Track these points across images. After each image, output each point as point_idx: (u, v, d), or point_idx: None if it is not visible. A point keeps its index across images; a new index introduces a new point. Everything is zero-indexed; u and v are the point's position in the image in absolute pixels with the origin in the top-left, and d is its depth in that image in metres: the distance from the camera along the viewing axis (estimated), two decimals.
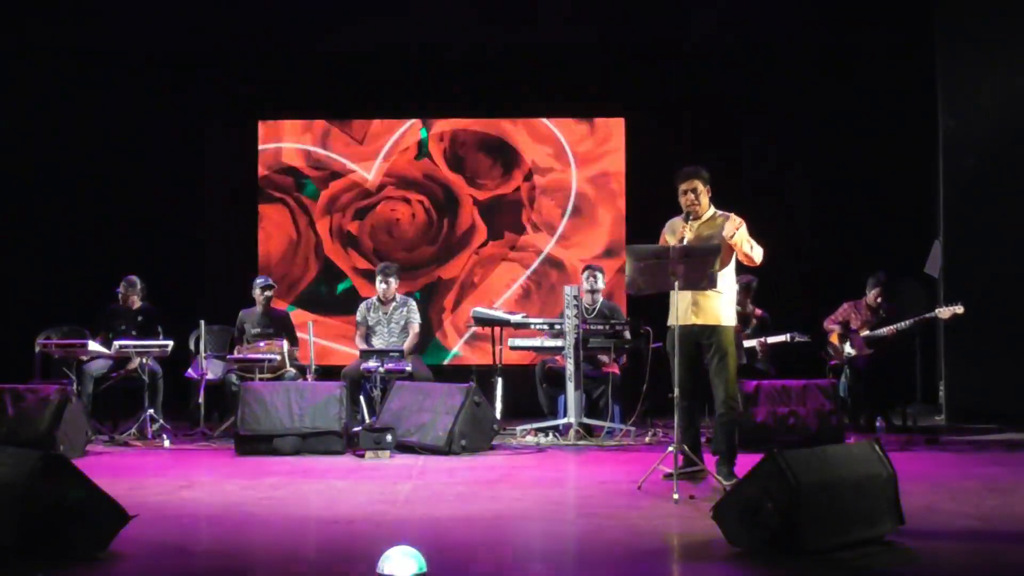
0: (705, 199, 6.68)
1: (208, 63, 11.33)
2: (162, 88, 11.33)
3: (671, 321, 6.69)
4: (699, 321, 6.56)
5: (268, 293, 9.58)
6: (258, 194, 11.44)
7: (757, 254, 6.61)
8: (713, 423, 6.74)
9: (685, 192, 6.65)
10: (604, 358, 9.07)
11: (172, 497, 6.33)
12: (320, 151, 11.43)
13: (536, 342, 9.20)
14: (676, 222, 6.77)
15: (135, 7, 11.06)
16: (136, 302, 9.55)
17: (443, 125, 11.49)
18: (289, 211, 11.43)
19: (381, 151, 11.44)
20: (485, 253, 11.45)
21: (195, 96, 11.35)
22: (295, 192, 11.42)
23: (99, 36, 11.21)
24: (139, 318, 9.51)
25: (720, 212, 6.72)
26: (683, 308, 6.50)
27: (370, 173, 11.40)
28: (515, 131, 11.47)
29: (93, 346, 8.98)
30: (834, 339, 9.45)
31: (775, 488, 4.71)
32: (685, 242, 6.46)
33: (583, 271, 9.47)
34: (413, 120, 11.47)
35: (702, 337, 6.61)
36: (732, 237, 6.48)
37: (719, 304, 6.60)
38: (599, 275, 9.36)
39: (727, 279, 6.61)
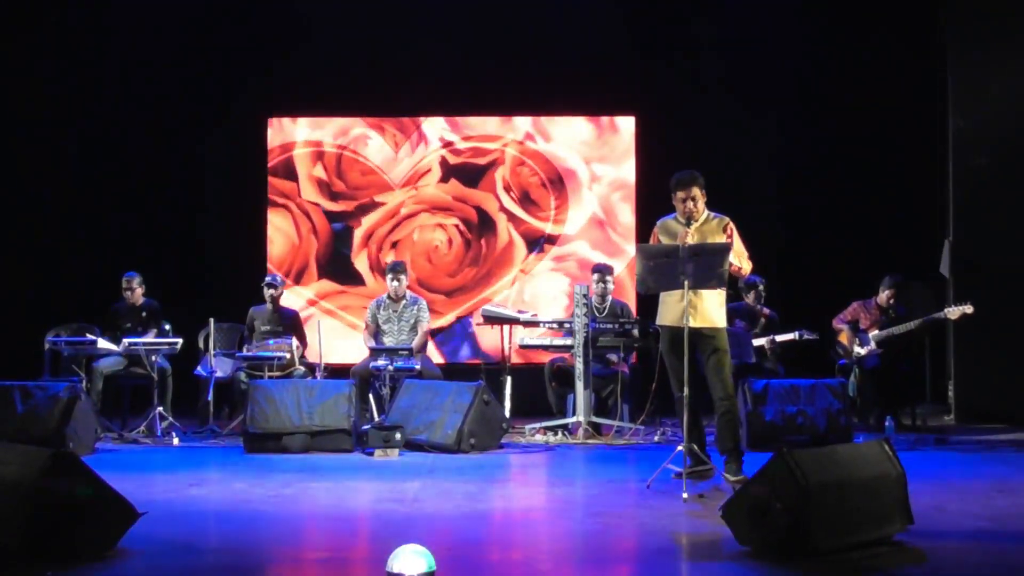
0: (702, 204, 6.76)
1: (217, 58, 11.34)
2: (170, 83, 11.35)
3: (664, 321, 6.74)
4: (695, 324, 6.57)
5: (274, 292, 9.58)
6: (267, 190, 11.45)
7: (747, 266, 6.74)
8: (713, 422, 6.74)
9: (684, 200, 6.71)
10: (613, 357, 9.07)
11: (181, 494, 6.35)
12: (333, 150, 11.48)
13: (546, 340, 9.20)
14: (671, 224, 6.82)
15: (141, 4, 11.12)
16: (139, 298, 9.57)
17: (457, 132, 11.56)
18: (292, 217, 11.47)
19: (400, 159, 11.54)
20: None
21: (203, 93, 11.36)
22: (298, 197, 11.47)
23: (105, 32, 11.24)
24: (142, 314, 9.52)
25: (713, 214, 6.79)
26: (679, 310, 6.51)
27: (392, 194, 11.50)
28: (524, 123, 11.49)
29: (102, 343, 9.00)
30: (843, 338, 9.43)
31: (784, 488, 4.70)
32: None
33: (592, 272, 9.42)
34: (424, 118, 11.52)
35: (698, 339, 6.63)
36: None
37: (714, 306, 6.66)
38: (609, 276, 9.32)
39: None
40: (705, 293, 6.56)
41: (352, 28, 11.26)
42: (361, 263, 11.40)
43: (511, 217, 11.42)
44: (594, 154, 11.40)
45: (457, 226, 11.45)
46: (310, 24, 11.25)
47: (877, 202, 11.01)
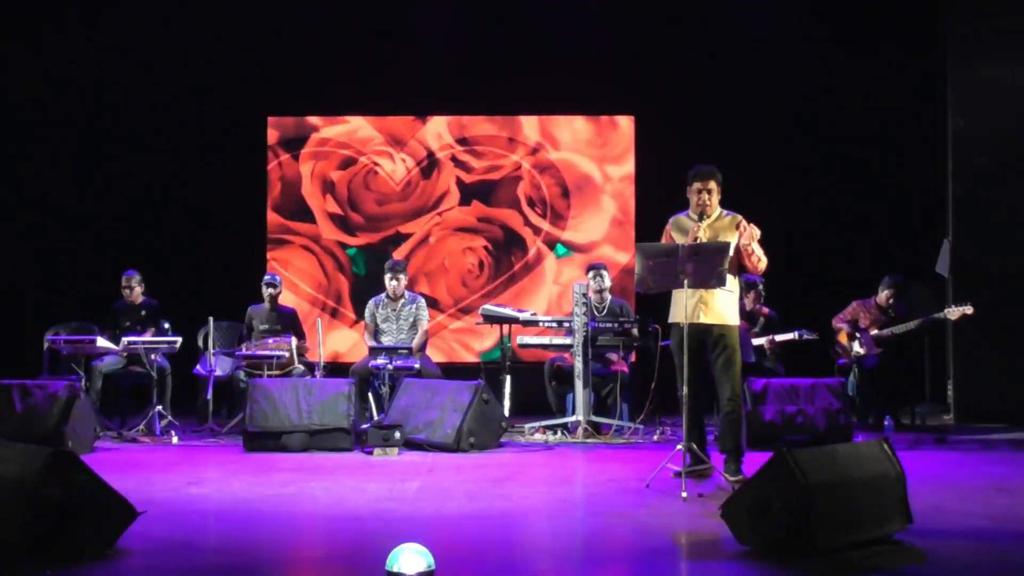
0: (716, 199, 6.73)
1: (217, 58, 11.33)
2: (170, 83, 11.35)
3: (675, 319, 6.71)
4: (707, 320, 6.58)
5: (273, 291, 9.57)
6: (266, 191, 11.46)
7: (764, 262, 6.69)
8: (717, 421, 6.74)
9: (700, 191, 6.68)
10: (613, 356, 9.06)
11: (180, 493, 6.35)
12: (342, 178, 11.50)
13: (545, 340, 9.20)
14: (684, 220, 6.78)
15: (142, 4, 11.13)
16: (138, 297, 9.56)
17: (454, 124, 11.53)
18: (316, 257, 11.52)
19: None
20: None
21: (203, 93, 11.36)
22: (322, 238, 11.49)
23: (105, 32, 11.24)
24: (142, 312, 9.51)
25: (726, 211, 6.75)
26: (690, 307, 6.49)
27: (416, 223, 11.53)
28: (526, 125, 11.48)
29: (102, 342, 8.99)
30: (842, 338, 9.44)
31: (784, 487, 4.70)
32: (701, 241, 6.49)
33: (587, 271, 9.42)
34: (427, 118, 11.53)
35: (708, 336, 6.62)
36: (749, 245, 6.54)
37: (726, 303, 6.63)
38: (604, 273, 9.31)
39: (732, 280, 6.63)
40: (716, 290, 6.55)
41: (352, 28, 11.26)
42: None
43: (537, 230, 11.44)
44: (600, 156, 11.40)
45: (486, 247, 11.46)
46: (311, 24, 11.26)
47: (877, 202, 11.01)
